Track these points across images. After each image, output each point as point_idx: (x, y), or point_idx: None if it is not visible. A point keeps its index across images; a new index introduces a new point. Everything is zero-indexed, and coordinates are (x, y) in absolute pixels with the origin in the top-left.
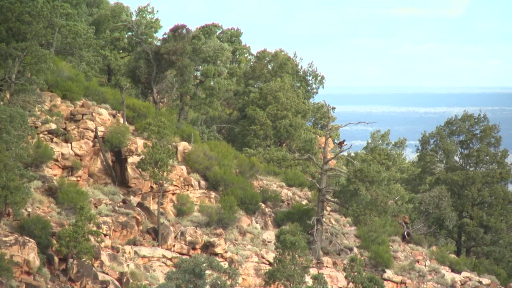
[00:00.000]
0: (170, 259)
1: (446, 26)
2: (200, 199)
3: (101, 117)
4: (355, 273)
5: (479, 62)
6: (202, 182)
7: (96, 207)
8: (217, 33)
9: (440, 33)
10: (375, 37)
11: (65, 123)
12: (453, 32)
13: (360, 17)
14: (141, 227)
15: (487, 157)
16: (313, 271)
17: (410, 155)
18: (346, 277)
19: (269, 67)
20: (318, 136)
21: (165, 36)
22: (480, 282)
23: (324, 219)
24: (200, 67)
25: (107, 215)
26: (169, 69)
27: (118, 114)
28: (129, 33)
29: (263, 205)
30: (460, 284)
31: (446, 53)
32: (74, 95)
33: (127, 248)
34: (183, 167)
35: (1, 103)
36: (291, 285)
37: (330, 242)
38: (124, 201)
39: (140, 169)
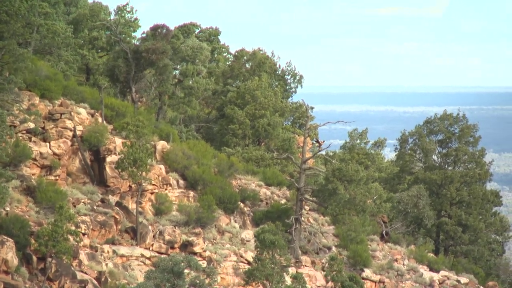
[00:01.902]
0: (149, 258)
1: (427, 26)
2: (178, 198)
3: (80, 116)
4: (334, 272)
5: (459, 61)
6: (181, 181)
7: (75, 206)
8: (196, 32)
9: (420, 33)
10: (355, 37)
11: (44, 122)
12: (434, 32)
13: (341, 17)
14: (119, 226)
15: (466, 156)
16: (292, 270)
17: (388, 154)
18: (325, 276)
19: (247, 66)
20: (297, 136)
21: (144, 35)
22: (458, 281)
23: (302, 218)
24: (178, 66)
25: (85, 214)
26: (148, 69)
27: (96, 113)
28: (108, 32)
29: (241, 204)
30: (438, 283)
31: (426, 53)
32: (53, 94)
33: (106, 247)
34: (162, 166)
35: None
36: (270, 284)
37: (309, 241)
38: (102, 200)
39: (119, 169)
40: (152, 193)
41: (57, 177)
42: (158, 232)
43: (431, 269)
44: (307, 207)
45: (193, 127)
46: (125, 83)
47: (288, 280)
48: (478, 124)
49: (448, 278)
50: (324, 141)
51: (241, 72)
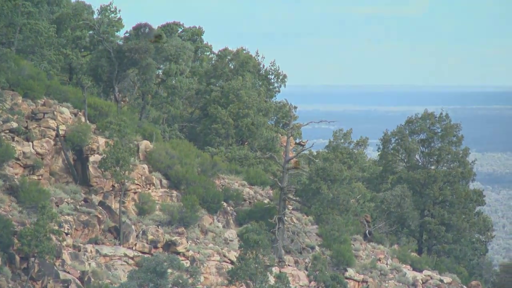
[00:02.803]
0: (132, 258)
1: (407, 25)
2: (161, 198)
3: (63, 115)
4: (318, 272)
5: (440, 61)
6: (164, 181)
7: (58, 206)
8: (179, 32)
9: (401, 32)
10: (337, 36)
11: (27, 121)
12: (414, 31)
13: (322, 16)
14: (102, 226)
15: (449, 156)
16: (275, 269)
17: (371, 153)
18: (308, 276)
19: (230, 65)
20: (280, 135)
21: (127, 34)
22: (441, 280)
23: (286, 218)
24: (162, 65)
25: (68, 214)
26: (131, 68)
27: (79, 113)
28: (91, 32)
29: (225, 203)
30: (421, 282)
31: (407, 52)
32: (36, 93)
33: (89, 247)
34: (145, 165)
35: None
36: (254, 284)
37: (292, 241)
38: (85, 200)
39: (102, 169)
40: (135, 193)
41: (40, 177)
42: (141, 232)
43: (414, 269)
44: (290, 207)
45: (176, 126)
46: (108, 82)
47: (271, 280)
48: (461, 124)
49: (431, 278)
50: (307, 141)
51: (225, 72)
